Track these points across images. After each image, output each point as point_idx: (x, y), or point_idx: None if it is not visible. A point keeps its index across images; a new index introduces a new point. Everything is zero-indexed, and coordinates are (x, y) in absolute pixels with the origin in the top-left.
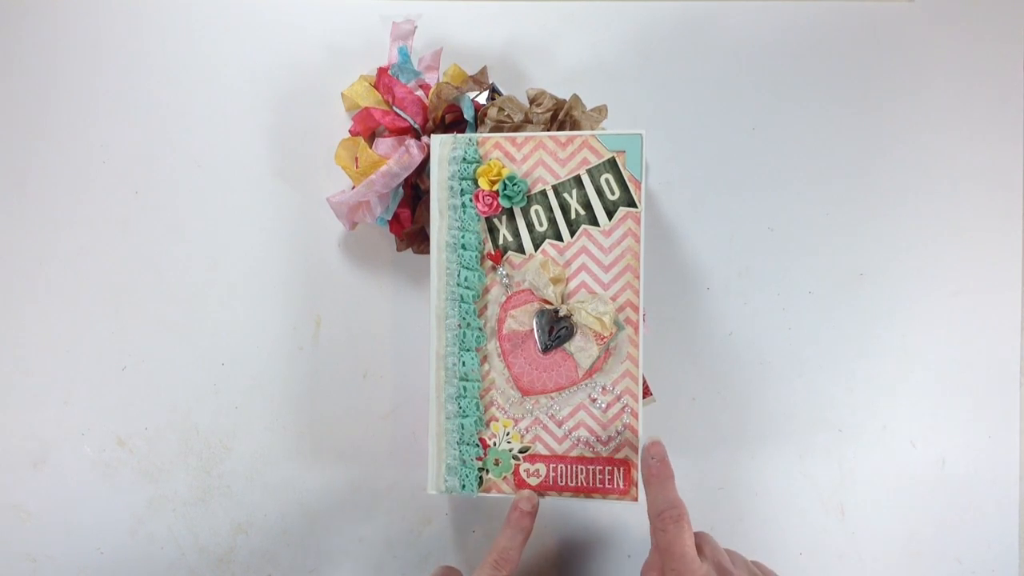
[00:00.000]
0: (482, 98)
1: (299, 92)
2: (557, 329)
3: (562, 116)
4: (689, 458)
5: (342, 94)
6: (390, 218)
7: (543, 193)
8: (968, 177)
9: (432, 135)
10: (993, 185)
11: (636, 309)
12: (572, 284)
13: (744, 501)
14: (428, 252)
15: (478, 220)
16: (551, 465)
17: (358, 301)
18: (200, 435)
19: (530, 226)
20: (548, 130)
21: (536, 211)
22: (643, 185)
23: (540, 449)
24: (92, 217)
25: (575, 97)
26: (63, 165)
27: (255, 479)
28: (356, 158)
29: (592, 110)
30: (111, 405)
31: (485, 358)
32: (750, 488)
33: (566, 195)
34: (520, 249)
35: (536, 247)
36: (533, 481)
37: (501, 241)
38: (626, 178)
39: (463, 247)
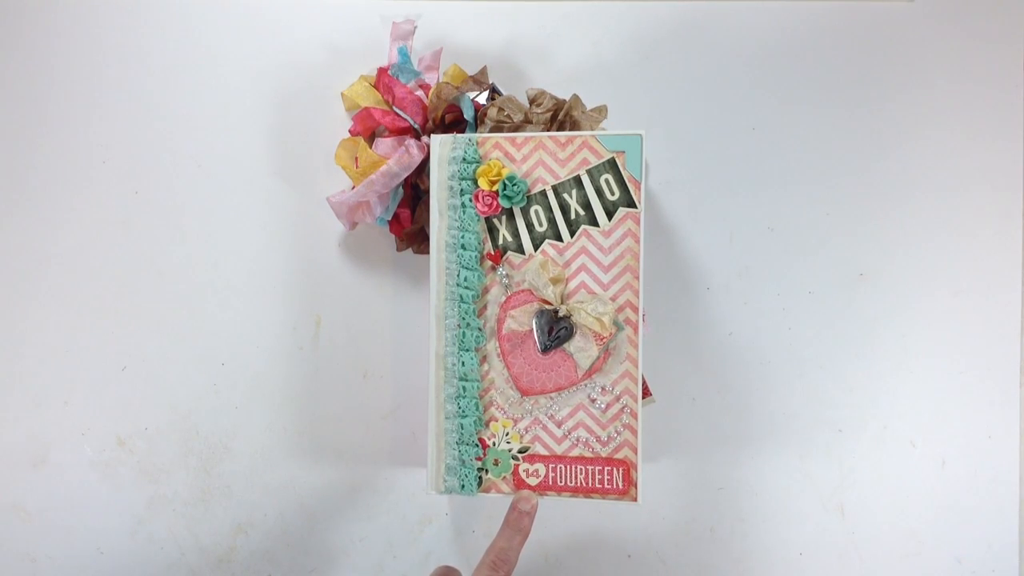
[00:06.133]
0: (482, 98)
1: (299, 92)
2: (557, 329)
3: (562, 116)
4: (689, 458)
5: (342, 94)
6: (390, 218)
7: (543, 193)
8: (968, 177)
9: (432, 135)
10: (993, 185)
11: (636, 309)
12: (572, 284)
13: (744, 501)
14: (428, 252)
15: (478, 220)
16: (550, 465)
17: (358, 301)
18: (200, 435)
19: (530, 226)
20: (548, 130)
21: (536, 211)
22: (643, 185)
23: (539, 449)
24: (92, 217)
25: (575, 97)
26: (63, 165)
27: (255, 479)
28: (356, 158)
29: (592, 110)
30: (111, 405)
31: (485, 358)
32: (750, 488)
33: (566, 195)
34: (520, 249)
35: (536, 247)
36: (532, 481)
37: (501, 241)
38: (626, 178)
39: (463, 247)
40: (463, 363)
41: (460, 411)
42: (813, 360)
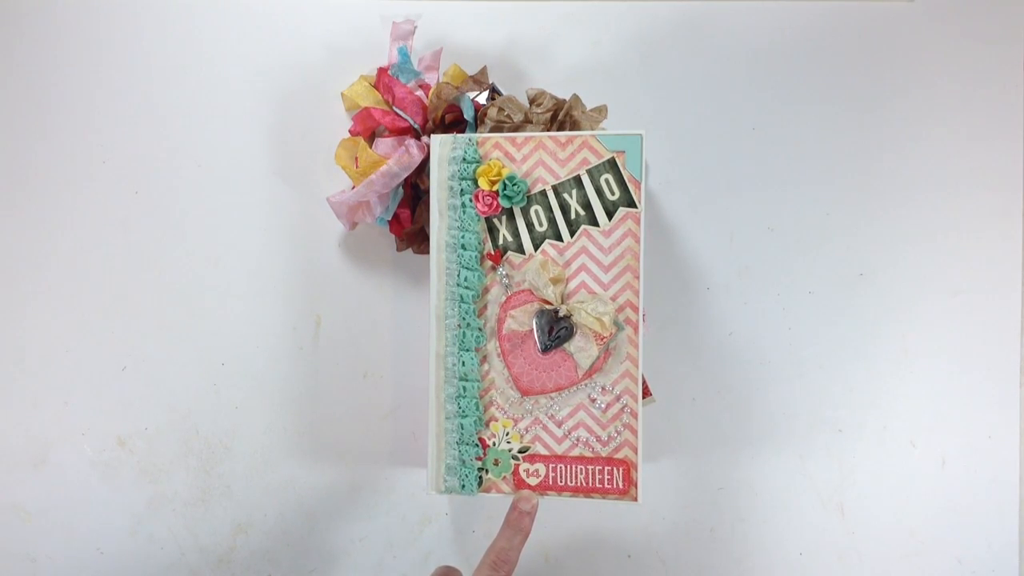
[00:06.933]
0: (482, 98)
1: (299, 92)
2: (557, 329)
3: (562, 116)
4: (689, 458)
5: (342, 94)
6: (390, 218)
7: (543, 193)
8: (968, 177)
9: (432, 135)
10: (993, 185)
11: (636, 309)
12: (572, 284)
13: (744, 501)
14: (428, 252)
15: (478, 220)
16: (551, 465)
17: (358, 301)
18: (200, 435)
19: (530, 226)
20: (548, 130)
21: (536, 211)
22: (643, 185)
23: (540, 449)
24: (92, 217)
25: (575, 97)
26: (63, 165)
27: (255, 479)
28: (356, 158)
29: (592, 110)
30: (111, 405)
31: (485, 358)
32: (750, 488)
33: (566, 195)
34: (520, 249)
35: (536, 247)
36: (533, 481)
37: (501, 241)
38: (626, 178)
39: (463, 247)
40: (463, 363)
41: (460, 411)
42: (813, 360)
